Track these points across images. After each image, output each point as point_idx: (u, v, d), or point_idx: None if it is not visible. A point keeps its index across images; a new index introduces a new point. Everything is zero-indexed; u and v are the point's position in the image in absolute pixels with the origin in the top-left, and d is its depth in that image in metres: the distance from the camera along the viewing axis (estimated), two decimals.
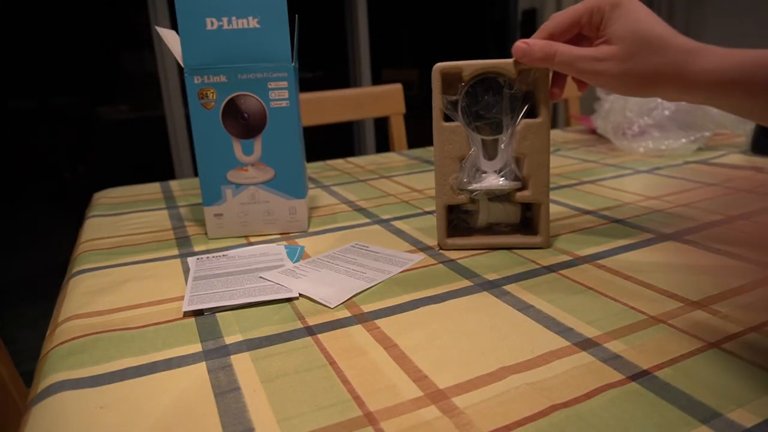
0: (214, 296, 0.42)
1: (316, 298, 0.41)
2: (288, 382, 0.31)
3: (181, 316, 0.40)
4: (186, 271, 0.48)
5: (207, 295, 0.42)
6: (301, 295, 0.42)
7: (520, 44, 0.44)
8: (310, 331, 0.37)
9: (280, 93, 0.54)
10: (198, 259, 0.50)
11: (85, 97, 2.32)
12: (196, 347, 0.36)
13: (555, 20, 0.45)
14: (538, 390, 0.30)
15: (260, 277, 0.45)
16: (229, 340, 0.36)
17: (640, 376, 0.30)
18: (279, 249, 0.52)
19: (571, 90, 1.49)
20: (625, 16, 0.41)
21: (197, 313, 0.40)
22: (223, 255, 0.51)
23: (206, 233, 0.57)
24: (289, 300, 0.42)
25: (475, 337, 0.35)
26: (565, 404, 0.28)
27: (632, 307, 0.38)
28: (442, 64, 0.48)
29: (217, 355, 0.35)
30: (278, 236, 0.57)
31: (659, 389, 0.29)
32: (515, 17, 2.71)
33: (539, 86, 0.48)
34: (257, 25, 0.52)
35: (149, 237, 0.57)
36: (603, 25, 0.43)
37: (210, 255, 0.51)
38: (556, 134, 1.11)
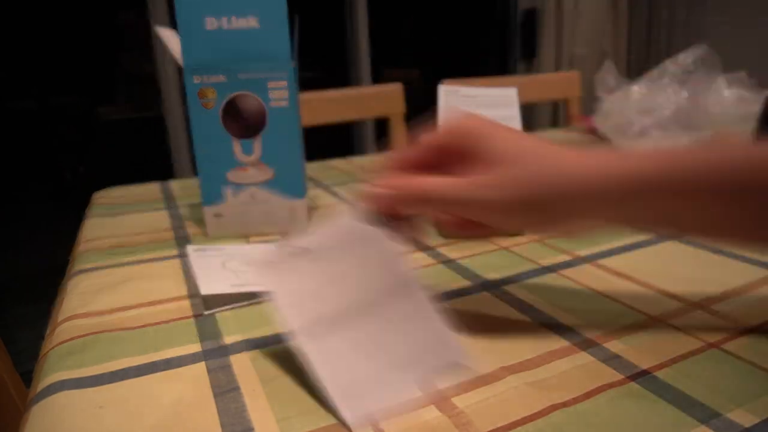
0: (227, 281, 0.43)
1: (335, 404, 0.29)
2: (287, 382, 0.31)
3: (181, 316, 0.40)
4: (186, 271, 0.48)
5: (220, 281, 0.43)
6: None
7: (374, 191, 0.33)
8: None
9: (279, 93, 0.54)
10: (196, 250, 0.50)
11: (85, 97, 2.32)
12: (196, 347, 0.36)
13: (414, 150, 0.34)
14: (538, 390, 0.29)
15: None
16: (228, 340, 0.36)
17: (640, 376, 0.30)
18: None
19: (571, 90, 1.49)
20: (498, 141, 0.32)
21: (197, 314, 0.40)
22: (221, 249, 0.51)
23: (206, 233, 0.57)
24: None
25: (475, 336, 0.35)
26: (565, 404, 0.28)
27: (632, 307, 0.38)
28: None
29: (216, 355, 0.35)
30: (278, 236, 0.57)
31: (659, 389, 0.29)
32: (515, 17, 2.71)
33: None
34: (257, 25, 0.52)
35: (149, 237, 0.57)
36: (472, 151, 0.32)
37: (209, 248, 0.51)
38: (556, 134, 1.11)
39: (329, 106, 1.20)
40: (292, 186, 0.57)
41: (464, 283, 0.43)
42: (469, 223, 0.36)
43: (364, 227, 0.33)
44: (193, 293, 0.43)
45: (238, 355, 0.34)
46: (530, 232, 0.38)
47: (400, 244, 0.34)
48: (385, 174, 0.34)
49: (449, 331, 0.33)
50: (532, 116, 2.52)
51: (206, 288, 0.42)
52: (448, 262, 0.47)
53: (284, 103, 0.54)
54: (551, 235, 0.39)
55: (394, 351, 0.32)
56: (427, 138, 0.34)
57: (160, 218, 0.64)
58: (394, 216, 0.34)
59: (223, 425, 0.28)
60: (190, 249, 0.50)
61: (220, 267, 0.47)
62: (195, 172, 0.57)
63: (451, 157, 0.33)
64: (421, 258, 0.49)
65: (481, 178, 0.31)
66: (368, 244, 0.34)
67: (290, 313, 0.31)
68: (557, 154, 0.31)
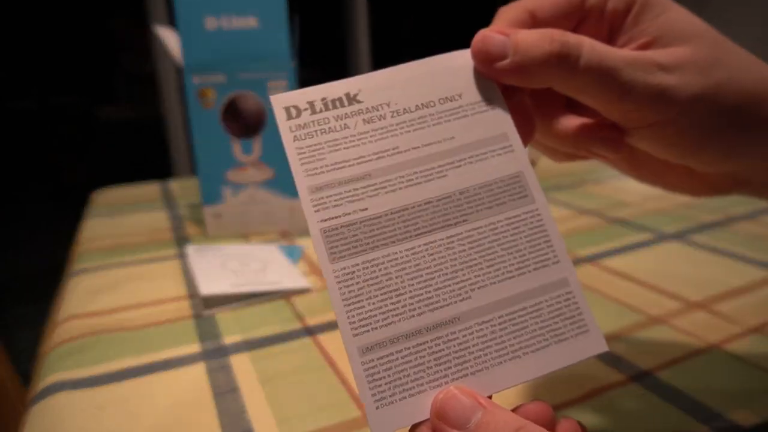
0: (227, 281, 0.43)
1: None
2: (287, 383, 0.31)
3: (181, 316, 0.40)
4: (185, 271, 0.48)
5: (220, 281, 0.43)
6: None
7: (489, 35, 0.21)
8: (310, 331, 0.37)
9: (279, 92, 0.54)
10: (196, 250, 0.50)
11: (85, 97, 2.32)
12: (195, 347, 0.36)
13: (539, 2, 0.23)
14: (538, 391, 0.29)
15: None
16: (228, 340, 0.36)
17: (640, 376, 0.30)
18: (272, 249, 0.52)
19: None
20: (676, 9, 0.22)
21: (197, 314, 0.40)
22: (220, 248, 0.51)
23: (205, 233, 0.57)
24: (302, 291, 0.42)
25: None
26: (565, 404, 0.28)
27: (632, 307, 0.38)
28: None
29: (216, 355, 0.34)
30: (278, 236, 0.57)
31: (659, 389, 0.29)
32: None
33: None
34: (256, 25, 0.52)
35: (148, 237, 0.57)
36: (635, 15, 0.22)
37: (208, 248, 0.51)
38: None
39: None
40: (292, 186, 0.57)
41: None
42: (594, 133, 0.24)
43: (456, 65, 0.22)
44: (192, 293, 0.43)
45: (238, 355, 0.34)
46: (694, 162, 0.22)
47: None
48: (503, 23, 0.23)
49: (570, 273, 0.20)
50: None
51: (206, 288, 0.42)
52: None
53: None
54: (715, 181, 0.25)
55: (481, 294, 0.20)
56: None
57: (160, 218, 0.64)
58: (508, 90, 0.22)
59: (222, 425, 0.28)
60: (190, 249, 0.50)
61: (220, 267, 0.47)
62: (195, 172, 0.57)
63: (596, 29, 0.23)
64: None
65: (660, 55, 0.20)
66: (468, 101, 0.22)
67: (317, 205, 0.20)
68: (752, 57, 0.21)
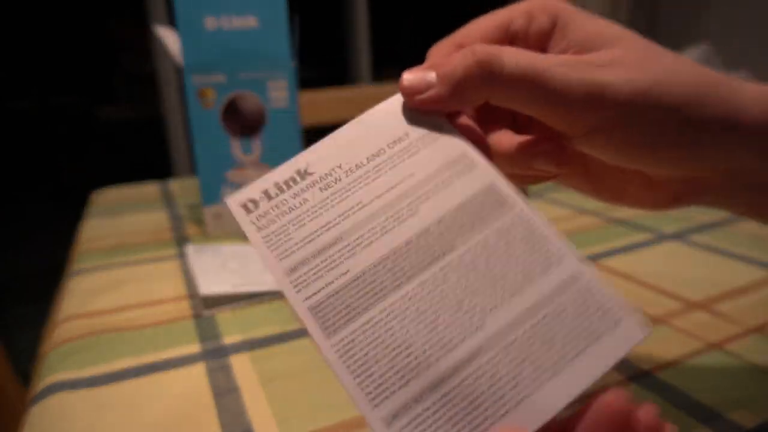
0: (227, 281, 0.43)
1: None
2: (287, 383, 0.31)
3: (181, 316, 0.40)
4: (185, 271, 0.48)
5: (220, 281, 0.43)
6: None
7: (411, 71, 0.22)
8: None
9: (279, 92, 0.54)
10: (196, 250, 0.50)
11: (85, 97, 2.32)
12: (195, 347, 0.35)
13: (467, 29, 0.24)
14: None
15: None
16: (228, 340, 0.36)
17: (640, 376, 0.30)
18: None
19: None
20: (598, 19, 0.22)
21: (197, 314, 0.40)
22: (220, 248, 0.51)
23: (205, 233, 0.57)
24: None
25: None
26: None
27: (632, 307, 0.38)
28: None
29: (216, 355, 0.34)
30: None
31: (659, 389, 0.29)
32: None
33: None
34: (256, 25, 0.52)
35: (148, 237, 0.57)
36: (561, 29, 0.22)
37: (208, 248, 0.51)
38: None
39: (329, 106, 1.20)
40: None
41: None
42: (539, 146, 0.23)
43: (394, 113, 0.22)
44: (192, 293, 0.43)
45: (238, 355, 0.34)
46: (647, 165, 0.22)
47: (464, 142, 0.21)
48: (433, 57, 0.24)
49: (580, 266, 0.19)
50: None
51: (206, 288, 0.42)
52: None
53: (284, 103, 0.54)
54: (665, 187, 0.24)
55: (488, 314, 0.18)
56: (489, 18, 0.24)
57: (160, 218, 0.63)
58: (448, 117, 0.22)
59: (223, 425, 0.28)
60: (190, 249, 0.50)
61: (220, 267, 0.47)
62: (195, 172, 0.57)
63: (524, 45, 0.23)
64: None
65: (592, 56, 0.20)
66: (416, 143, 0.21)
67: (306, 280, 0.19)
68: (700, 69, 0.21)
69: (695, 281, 0.41)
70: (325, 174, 0.21)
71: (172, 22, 0.53)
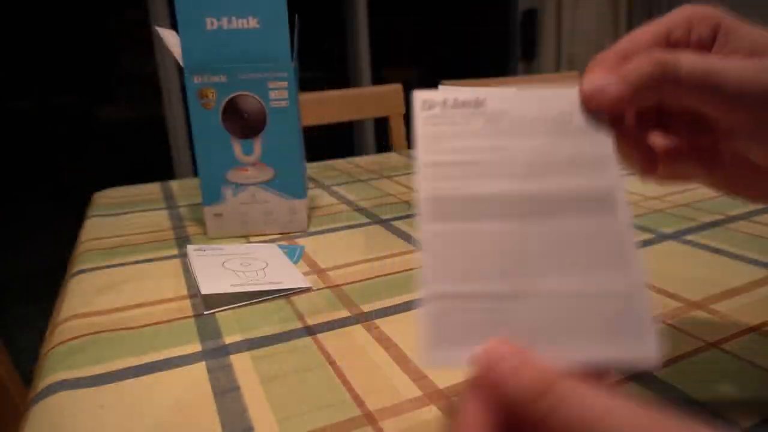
0: (228, 281, 0.43)
1: None
2: (287, 382, 0.31)
3: (181, 316, 0.40)
4: (186, 271, 0.48)
5: (221, 281, 0.44)
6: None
7: (592, 77, 0.24)
8: (310, 330, 0.37)
9: (279, 93, 0.54)
10: (196, 249, 0.50)
11: (85, 97, 2.32)
12: (196, 347, 0.36)
13: (630, 40, 0.25)
14: None
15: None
16: (228, 339, 0.36)
17: (640, 376, 0.30)
18: (273, 249, 0.52)
19: None
20: (754, 27, 0.24)
21: (197, 314, 0.40)
22: (221, 248, 0.51)
23: (206, 233, 0.57)
24: (302, 291, 0.42)
25: None
26: None
27: None
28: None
29: (216, 355, 0.35)
30: (278, 236, 0.57)
31: (659, 389, 0.29)
32: (515, 17, 2.71)
33: None
34: (257, 25, 0.52)
35: (149, 237, 0.57)
36: (723, 36, 0.24)
37: (209, 247, 0.51)
38: None
39: (329, 106, 1.20)
40: (292, 186, 0.57)
41: None
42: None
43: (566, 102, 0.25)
44: (193, 293, 0.43)
45: (238, 355, 0.34)
46: None
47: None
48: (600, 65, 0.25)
49: (640, 282, 0.21)
50: None
51: (206, 287, 0.42)
52: None
53: (284, 104, 0.54)
54: None
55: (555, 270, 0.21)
56: (648, 29, 0.25)
57: (160, 218, 0.64)
58: (617, 120, 0.24)
59: (223, 425, 0.28)
60: (190, 249, 0.51)
61: (221, 266, 0.47)
62: (195, 172, 0.57)
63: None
64: None
65: (764, 60, 0.22)
66: (568, 129, 0.24)
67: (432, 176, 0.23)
68: None
69: (694, 281, 0.41)
70: (494, 112, 0.24)
71: (173, 22, 0.53)
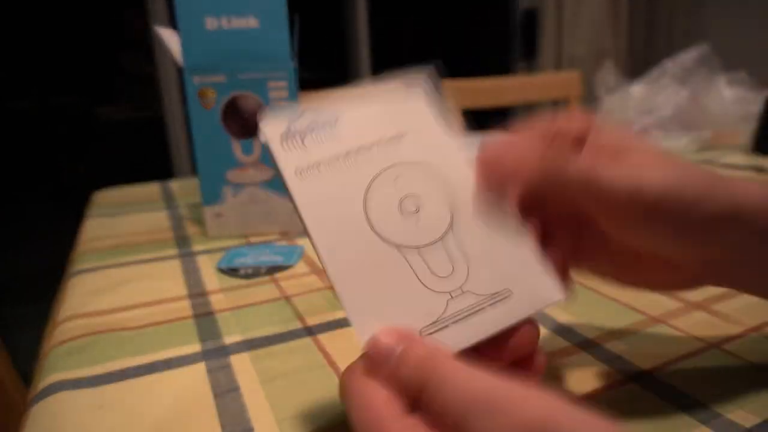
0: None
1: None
2: (287, 383, 0.31)
3: (181, 316, 0.40)
4: (186, 271, 0.48)
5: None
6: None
7: (490, 155, 0.27)
8: (310, 331, 0.37)
9: (279, 93, 0.54)
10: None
11: (85, 97, 2.32)
12: (196, 347, 0.36)
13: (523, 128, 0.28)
14: None
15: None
16: (228, 340, 0.36)
17: (640, 376, 0.30)
18: None
19: (571, 90, 1.49)
20: (619, 131, 0.28)
21: (197, 314, 0.40)
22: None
23: (206, 233, 0.57)
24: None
25: None
26: None
27: (632, 307, 0.38)
28: None
29: (216, 355, 0.35)
30: (278, 236, 0.57)
31: (659, 389, 0.29)
32: (515, 17, 2.71)
33: None
34: (257, 25, 0.52)
35: (149, 237, 0.57)
36: (592, 136, 0.27)
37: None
38: None
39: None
40: None
41: None
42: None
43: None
44: (193, 293, 0.43)
45: (238, 355, 0.34)
46: (664, 247, 0.26)
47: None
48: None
49: (532, 256, 0.25)
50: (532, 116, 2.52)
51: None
52: None
53: (284, 104, 0.54)
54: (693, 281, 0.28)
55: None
56: (539, 125, 0.28)
57: (160, 218, 0.64)
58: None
59: (223, 425, 0.28)
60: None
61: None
62: (195, 172, 0.57)
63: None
64: None
65: (627, 160, 0.25)
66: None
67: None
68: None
69: None
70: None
71: (172, 22, 0.53)
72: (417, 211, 0.25)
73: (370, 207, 0.24)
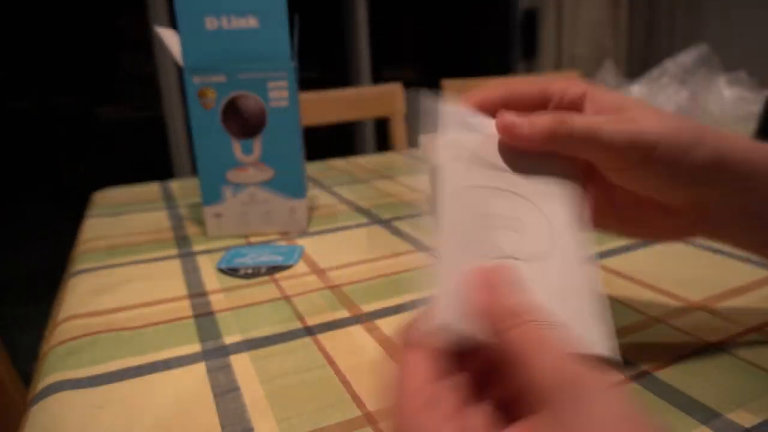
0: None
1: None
2: (287, 383, 0.31)
3: (181, 316, 0.40)
4: (186, 270, 0.48)
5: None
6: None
7: (511, 118, 0.29)
8: (310, 331, 0.37)
9: (279, 93, 0.54)
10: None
11: (85, 97, 2.32)
12: (196, 347, 0.36)
13: (513, 90, 0.31)
14: None
15: None
16: (228, 340, 0.36)
17: (640, 376, 0.30)
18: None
19: None
20: (607, 91, 0.30)
21: (197, 314, 0.40)
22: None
23: (206, 233, 0.57)
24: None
25: None
26: None
27: (632, 307, 0.38)
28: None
29: (216, 355, 0.35)
30: (278, 236, 0.57)
31: (659, 389, 0.29)
32: (515, 17, 2.71)
33: None
34: (257, 25, 0.52)
35: (149, 237, 0.57)
36: (590, 101, 0.30)
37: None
38: None
39: (329, 106, 1.20)
40: (292, 186, 0.57)
41: None
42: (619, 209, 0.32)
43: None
44: (193, 293, 0.43)
45: (238, 355, 0.34)
46: (660, 191, 0.29)
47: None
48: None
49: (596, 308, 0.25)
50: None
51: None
52: None
53: (284, 103, 0.54)
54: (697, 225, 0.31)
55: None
56: (533, 85, 0.31)
57: (160, 218, 0.64)
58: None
59: (223, 425, 0.28)
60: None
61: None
62: (195, 172, 0.57)
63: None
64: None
65: (625, 114, 0.28)
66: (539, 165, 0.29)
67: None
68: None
69: (694, 281, 0.41)
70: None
71: (172, 22, 0.53)
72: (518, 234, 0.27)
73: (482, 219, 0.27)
